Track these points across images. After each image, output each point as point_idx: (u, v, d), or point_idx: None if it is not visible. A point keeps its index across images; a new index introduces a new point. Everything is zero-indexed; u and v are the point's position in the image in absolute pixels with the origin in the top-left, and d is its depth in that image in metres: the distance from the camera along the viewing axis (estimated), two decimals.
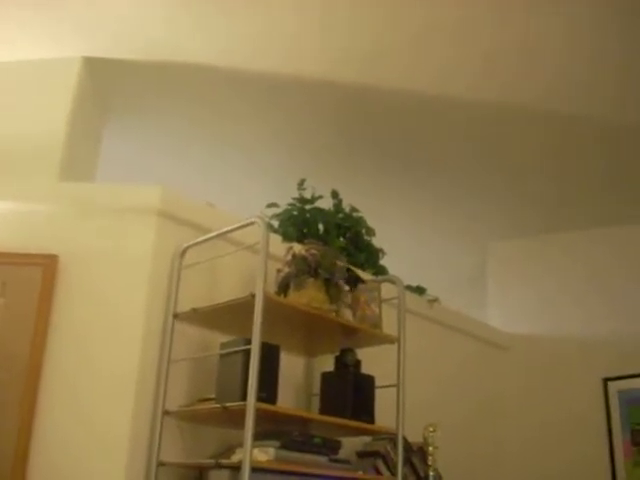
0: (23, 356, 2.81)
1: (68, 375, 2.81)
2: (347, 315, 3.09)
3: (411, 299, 3.83)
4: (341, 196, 3.95)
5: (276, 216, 3.69)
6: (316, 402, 3.27)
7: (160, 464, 2.73)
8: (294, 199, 3.79)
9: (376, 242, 3.98)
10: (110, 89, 3.88)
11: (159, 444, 2.75)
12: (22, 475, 2.67)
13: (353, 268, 3.26)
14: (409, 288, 3.99)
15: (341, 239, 3.79)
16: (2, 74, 3.61)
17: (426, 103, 3.79)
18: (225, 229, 2.92)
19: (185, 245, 2.98)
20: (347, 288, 3.14)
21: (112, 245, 2.99)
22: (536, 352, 4.88)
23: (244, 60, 3.60)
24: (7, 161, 3.36)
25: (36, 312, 2.87)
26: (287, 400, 3.06)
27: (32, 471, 2.68)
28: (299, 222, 3.69)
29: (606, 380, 4.51)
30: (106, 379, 2.81)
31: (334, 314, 3.00)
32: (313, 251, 2.96)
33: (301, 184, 3.81)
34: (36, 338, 2.83)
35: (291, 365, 3.27)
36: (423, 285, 4.25)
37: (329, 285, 2.93)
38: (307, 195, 3.82)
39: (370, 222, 3.95)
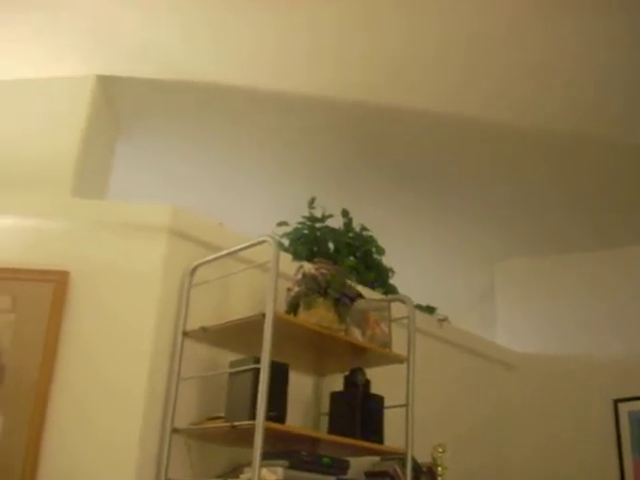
0: (33, 372, 2.82)
1: (77, 392, 2.81)
2: (356, 334, 3.08)
3: (420, 318, 3.82)
4: (351, 215, 3.95)
5: (286, 235, 3.69)
6: (325, 422, 3.26)
7: None
8: (304, 217, 3.80)
9: (386, 261, 3.98)
10: (123, 107, 3.90)
11: (167, 462, 2.74)
12: None
13: (351, 283, 3.22)
14: (419, 307, 3.98)
15: (351, 258, 3.79)
16: (18, 92, 3.65)
17: (439, 122, 3.80)
18: (235, 248, 2.92)
19: (195, 263, 2.99)
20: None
21: (123, 262, 3.00)
22: (544, 371, 4.86)
23: (260, 79, 3.62)
24: (21, 177, 3.39)
25: (46, 328, 2.88)
26: (296, 419, 3.06)
27: None
28: (309, 241, 3.70)
29: (616, 401, 4.49)
30: (115, 396, 2.81)
31: (343, 333, 3.00)
32: (323, 270, 2.96)
33: (311, 202, 3.82)
34: (46, 354, 2.84)
35: (300, 384, 3.26)
36: (432, 304, 4.25)
37: (338, 304, 2.93)
38: (317, 214, 3.83)
39: (380, 241, 3.96)
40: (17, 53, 3.50)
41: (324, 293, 2.90)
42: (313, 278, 2.93)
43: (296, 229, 3.73)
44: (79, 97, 3.58)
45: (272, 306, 2.60)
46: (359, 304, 3.10)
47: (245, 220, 3.81)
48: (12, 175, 3.41)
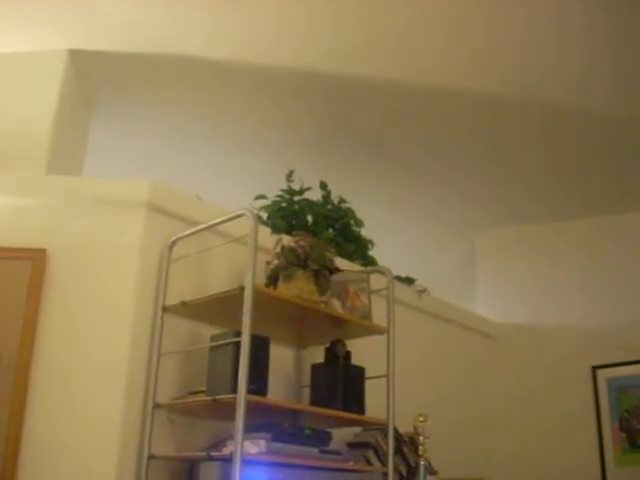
0: (12, 351, 2.80)
1: (58, 369, 2.81)
2: (336, 306, 3.09)
3: (400, 290, 3.84)
4: (330, 187, 3.94)
5: (265, 208, 3.68)
6: (306, 394, 3.28)
7: (151, 457, 2.73)
8: (282, 191, 3.78)
9: (365, 233, 3.99)
10: (95, 81, 3.85)
11: (150, 437, 2.75)
12: (13, 470, 2.66)
13: (330, 255, 3.21)
14: (398, 279, 4.00)
15: (330, 230, 3.79)
16: None
17: (416, 90, 3.78)
18: (214, 221, 2.91)
19: (174, 238, 2.98)
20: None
21: (100, 239, 2.98)
22: (524, 341, 4.91)
23: (231, 51, 3.58)
24: None
25: (25, 306, 2.86)
26: (277, 392, 3.07)
27: (23, 466, 2.67)
28: (288, 214, 3.69)
29: (595, 368, 4.54)
30: (96, 373, 2.80)
31: (323, 305, 3.00)
32: (302, 243, 2.96)
33: (290, 176, 3.81)
34: (25, 332, 2.82)
35: (281, 357, 3.28)
36: (414, 275, 4.27)
37: (318, 276, 2.93)
38: (295, 187, 3.82)
39: (359, 212, 3.96)
40: None
41: (303, 265, 2.90)
42: (292, 251, 2.92)
43: (274, 202, 3.72)
44: (51, 72, 3.52)
45: (251, 279, 2.60)
46: (339, 276, 3.10)
47: (223, 195, 3.78)
48: None
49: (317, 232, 3.62)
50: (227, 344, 2.69)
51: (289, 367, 3.40)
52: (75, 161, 3.84)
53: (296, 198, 3.78)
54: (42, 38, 3.49)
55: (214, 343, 2.78)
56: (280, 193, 3.78)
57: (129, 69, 3.73)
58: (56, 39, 3.49)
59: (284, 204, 3.73)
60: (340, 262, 3.36)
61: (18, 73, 3.55)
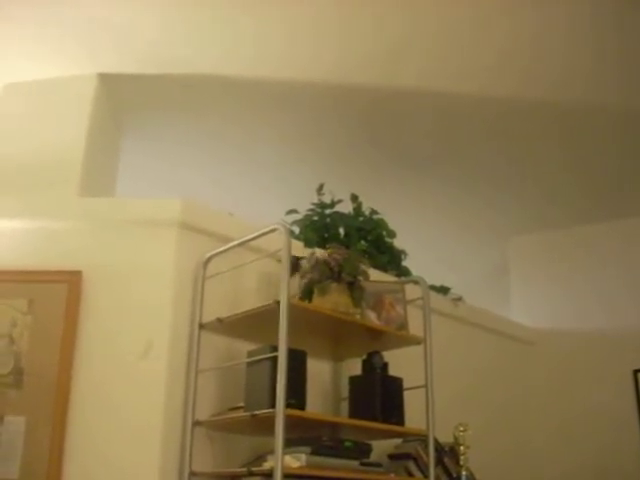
0: (52, 373, 2.83)
1: (97, 390, 2.83)
2: (372, 318, 3.08)
3: (435, 299, 3.82)
4: (361, 198, 3.94)
5: (297, 222, 3.69)
6: (344, 406, 3.27)
7: (192, 474, 2.74)
8: (314, 204, 3.79)
9: (397, 243, 3.98)
10: (125, 104, 3.90)
11: (190, 454, 2.76)
12: None
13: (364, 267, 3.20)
14: (433, 288, 3.97)
15: (362, 242, 3.79)
16: (21, 93, 3.66)
17: (445, 101, 3.79)
18: (247, 237, 2.92)
19: (207, 255, 2.99)
20: None
21: (135, 259, 3.01)
22: (562, 346, 4.85)
23: (264, 69, 3.61)
24: (28, 178, 3.40)
25: (63, 328, 2.89)
26: (315, 405, 3.06)
27: None
28: (320, 227, 3.69)
29: (636, 372, 4.48)
30: (135, 391, 2.82)
31: (359, 317, 2.99)
32: (335, 255, 2.96)
33: (320, 189, 3.81)
34: (64, 354, 2.85)
35: (318, 370, 3.27)
36: (445, 283, 4.24)
37: (352, 289, 2.92)
38: (326, 200, 3.82)
39: (390, 223, 3.95)
40: (19, 55, 3.51)
41: (337, 278, 2.90)
42: (325, 264, 2.92)
43: (306, 216, 3.72)
44: (82, 96, 3.58)
45: (286, 293, 2.60)
46: (374, 287, 3.10)
47: (254, 210, 3.80)
48: (20, 178, 3.42)
49: (350, 244, 3.62)
50: (264, 359, 2.69)
51: (326, 380, 3.39)
52: (107, 182, 3.88)
53: (327, 211, 3.78)
54: (72, 63, 3.55)
55: (251, 359, 2.79)
56: (312, 207, 3.79)
57: (156, 90, 3.78)
58: (85, 64, 3.55)
59: (316, 218, 3.73)
60: (374, 273, 3.35)
61: (50, 98, 3.61)
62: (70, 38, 3.38)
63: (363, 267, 3.01)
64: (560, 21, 3.18)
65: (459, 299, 4.25)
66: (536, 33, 3.27)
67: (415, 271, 3.83)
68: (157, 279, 2.97)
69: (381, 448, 3.28)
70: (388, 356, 3.25)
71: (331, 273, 2.90)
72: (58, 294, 2.93)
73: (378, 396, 3.08)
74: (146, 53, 3.49)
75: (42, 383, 2.82)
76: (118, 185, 4.01)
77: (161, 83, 3.70)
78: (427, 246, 5.19)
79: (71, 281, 2.94)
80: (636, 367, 4.49)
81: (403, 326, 3.23)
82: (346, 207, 3.89)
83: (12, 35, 3.38)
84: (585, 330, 4.80)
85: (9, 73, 3.63)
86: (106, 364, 2.87)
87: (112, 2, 3.17)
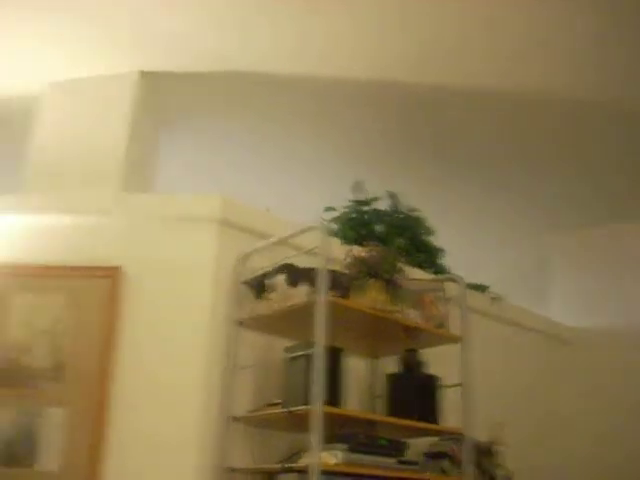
0: (93, 367, 2.88)
1: (136, 385, 2.87)
2: (412, 316, 3.07)
3: (473, 297, 3.79)
4: (398, 196, 3.93)
5: (334, 219, 3.69)
6: (380, 404, 3.27)
7: (229, 470, 2.76)
8: (351, 201, 3.79)
9: (434, 239, 3.96)
10: (166, 101, 3.93)
11: (228, 450, 2.78)
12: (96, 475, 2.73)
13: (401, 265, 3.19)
14: (470, 286, 3.94)
15: (400, 239, 3.77)
16: (65, 91, 3.72)
17: (483, 97, 3.77)
18: (285, 235, 2.93)
19: (246, 252, 3.01)
20: None
21: (175, 254, 3.03)
22: (601, 345, 4.78)
23: (304, 65, 3.62)
24: (71, 175, 3.45)
25: (103, 323, 2.94)
26: (351, 402, 3.06)
27: (107, 472, 2.75)
28: (357, 224, 3.69)
29: None
30: (173, 387, 2.85)
31: (398, 315, 2.98)
32: (373, 253, 2.95)
33: (356, 186, 3.81)
34: (104, 348, 2.90)
35: (354, 367, 3.26)
36: (483, 280, 4.21)
37: (390, 286, 2.91)
38: (363, 197, 3.82)
39: (428, 219, 3.93)
40: (64, 53, 3.58)
41: (375, 275, 2.89)
42: (363, 261, 2.92)
43: (344, 213, 3.72)
44: (124, 93, 3.62)
45: (324, 291, 2.60)
46: (413, 285, 3.08)
47: (293, 204, 3.81)
48: (63, 174, 3.47)
49: (387, 242, 3.61)
50: (301, 356, 2.70)
51: (362, 377, 3.38)
52: (148, 178, 3.92)
53: (365, 208, 3.77)
54: (115, 61, 3.60)
55: (289, 355, 2.80)
56: (349, 204, 3.79)
57: (196, 87, 3.80)
58: (128, 61, 3.59)
59: (354, 215, 3.73)
60: (412, 271, 3.34)
61: (93, 96, 3.67)
62: (113, 37, 3.43)
63: (400, 265, 3.00)
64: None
65: (498, 298, 4.21)
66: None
67: (452, 269, 3.81)
68: (196, 274, 3.00)
69: (417, 446, 3.27)
70: (425, 354, 3.24)
71: (369, 270, 2.89)
72: (99, 289, 2.97)
73: (415, 394, 3.08)
74: (185, 51, 3.53)
75: (83, 377, 2.87)
76: (158, 181, 4.05)
77: (201, 80, 3.72)
78: (464, 243, 5.15)
79: (111, 277, 2.98)
80: None
81: (443, 324, 3.21)
82: (384, 204, 3.88)
83: (57, 35, 3.44)
84: (624, 328, 4.73)
85: (54, 72, 3.68)
86: (145, 358, 2.90)
87: (155, 0, 3.20)
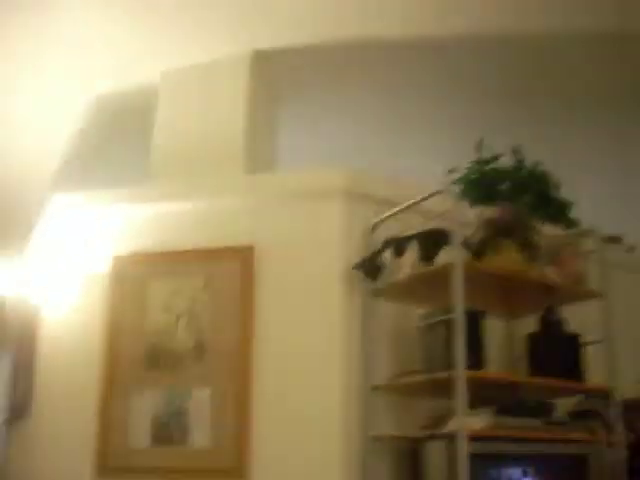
0: (233, 345, 2.95)
1: (276, 361, 2.93)
2: (550, 273, 2.98)
3: (607, 249, 3.65)
4: (524, 152, 3.82)
5: (458, 180, 3.62)
6: (518, 365, 3.21)
7: (374, 438, 2.78)
8: (473, 161, 3.71)
9: (563, 192, 3.83)
10: (279, 77, 3.95)
11: (371, 419, 2.80)
12: (245, 457, 2.81)
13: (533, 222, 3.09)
14: (603, 238, 3.80)
15: (527, 196, 3.67)
16: (178, 79, 3.80)
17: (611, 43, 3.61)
18: (412, 201, 2.89)
19: (374, 221, 2.99)
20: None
21: (303, 229, 3.06)
22: None
23: (416, 27, 3.57)
24: (194, 161, 3.53)
25: (239, 302, 3.00)
26: (492, 365, 3.02)
27: (253, 453, 2.82)
28: (481, 184, 3.61)
29: None
30: (313, 360, 2.90)
31: (536, 274, 2.91)
32: (504, 212, 2.89)
33: (479, 145, 3.72)
34: (243, 327, 2.96)
35: (491, 328, 3.21)
36: (615, 230, 4.04)
37: (525, 245, 2.84)
38: (486, 155, 3.73)
39: (555, 172, 3.81)
40: (175, 40, 3.64)
41: (509, 235, 2.83)
42: (496, 222, 2.86)
43: (466, 174, 3.65)
44: (238, 74, 3.67)
45: (460, 254, 2.57)
46: (548, 242, 3.00)
47: (414, 170, 3.76)
48: (186, 161, 3.55)
49: (514, 200, 3.52)
50: (439, 322, 2.68)
51: (499, 338, 3.33)
52: (268, 158, 3.96)
53: (488, 167, 3.69)
54: (226, 43, 3.64)
55: (428, 321, 2.78)
56: (470, 165, 3.71)
57: (309, 61, 3.80)
58: (239, 42, 3.62)
59: (476, 175, 3.65)
60: (543, 228, 3.25)
61: (207, 80, 3.73)
62: (223, 18, 3.46)
63: (534, 222, 2.92)
64: None
65: (633, 248, 4.05)
66: None
67: (584, 221, 3.68)
68: (326, 248, 3.01)
69: (561, 406, 3.20)
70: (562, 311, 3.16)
71: (502, 231, 2.83)
72: (232, 270, 3.04)
73: (558, 353, 3.01)
74: (296, 26, 3.52)
75: (224, 355, 2.95)
76: (278, 158, 4.08)
77: (315, 53, 3.72)
78: (593, 194, 4.97)
79: (244, 257, 3.04)
80: None
81: (581, 280, 3.11)
82: (506, 162, 3.79)
83: (166, 24, 3.50)
84: None
85: (165, 60, 3.76)
86: (283, 334, 2.95)
87: None
